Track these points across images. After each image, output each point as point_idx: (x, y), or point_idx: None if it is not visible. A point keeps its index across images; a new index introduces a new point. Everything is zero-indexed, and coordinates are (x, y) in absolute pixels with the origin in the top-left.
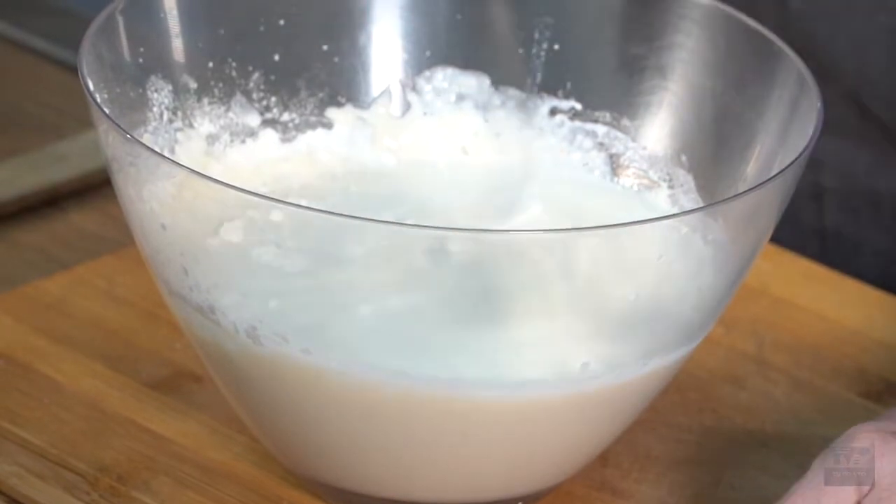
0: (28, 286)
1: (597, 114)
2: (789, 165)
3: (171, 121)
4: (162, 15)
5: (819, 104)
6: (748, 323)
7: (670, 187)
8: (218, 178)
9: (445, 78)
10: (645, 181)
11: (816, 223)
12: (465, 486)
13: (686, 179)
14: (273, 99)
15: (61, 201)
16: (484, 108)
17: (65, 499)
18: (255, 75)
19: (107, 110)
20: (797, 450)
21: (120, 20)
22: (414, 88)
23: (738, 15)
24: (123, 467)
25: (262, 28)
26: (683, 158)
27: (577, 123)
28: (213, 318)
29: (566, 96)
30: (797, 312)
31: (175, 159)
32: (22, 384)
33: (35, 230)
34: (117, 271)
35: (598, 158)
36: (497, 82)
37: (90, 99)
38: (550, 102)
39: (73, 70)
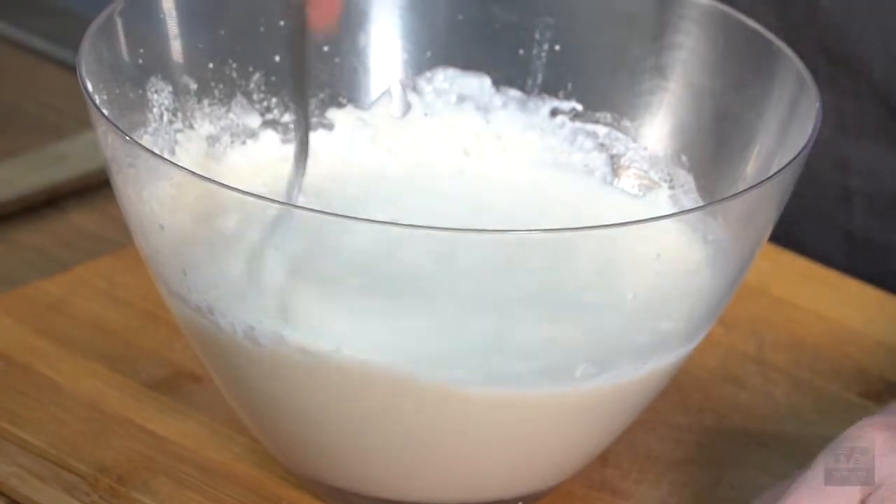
0: (28, 286)
1: (597, 114)
2: (788, 164)
3: (171, 122)
4: (162, 16)
5: (818, 104)
6: (748, 323)
7: (671, 188)
8: (217, 180)
9: (446, 79)
10: (646, 182)
11: (844, 226)
12: (464, 486)
13: (686, 179)
14: (274, 100)
15: (61, 201)
16: (485, 109)
17: (64, 499)
18: (256, 76)
19: (106, 111)
20: (797, 450)
21: (119, 21)
22: (415, 89)
23: (738, 15)
24: (123, 468)
25: (262, 29)
26: (684, 158)
27: (578, 124)
28: (212, 318)
29: (567, 97)
30: (797, 312)
31: (175, 160)
32: (21, 385)
33: (35, 230)
34: (117, 271)
35: (599, 159)
36: (498, 83)
37: (89, 100)
38: (551, 103)
39: (73, 70)
